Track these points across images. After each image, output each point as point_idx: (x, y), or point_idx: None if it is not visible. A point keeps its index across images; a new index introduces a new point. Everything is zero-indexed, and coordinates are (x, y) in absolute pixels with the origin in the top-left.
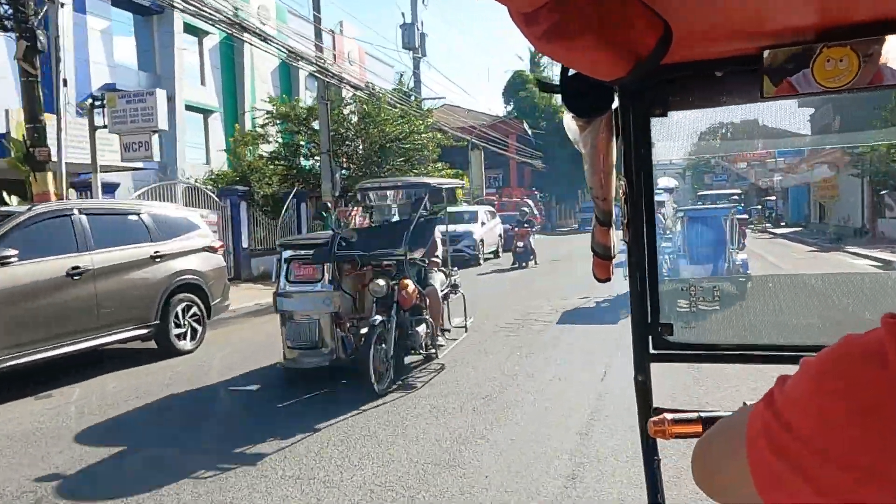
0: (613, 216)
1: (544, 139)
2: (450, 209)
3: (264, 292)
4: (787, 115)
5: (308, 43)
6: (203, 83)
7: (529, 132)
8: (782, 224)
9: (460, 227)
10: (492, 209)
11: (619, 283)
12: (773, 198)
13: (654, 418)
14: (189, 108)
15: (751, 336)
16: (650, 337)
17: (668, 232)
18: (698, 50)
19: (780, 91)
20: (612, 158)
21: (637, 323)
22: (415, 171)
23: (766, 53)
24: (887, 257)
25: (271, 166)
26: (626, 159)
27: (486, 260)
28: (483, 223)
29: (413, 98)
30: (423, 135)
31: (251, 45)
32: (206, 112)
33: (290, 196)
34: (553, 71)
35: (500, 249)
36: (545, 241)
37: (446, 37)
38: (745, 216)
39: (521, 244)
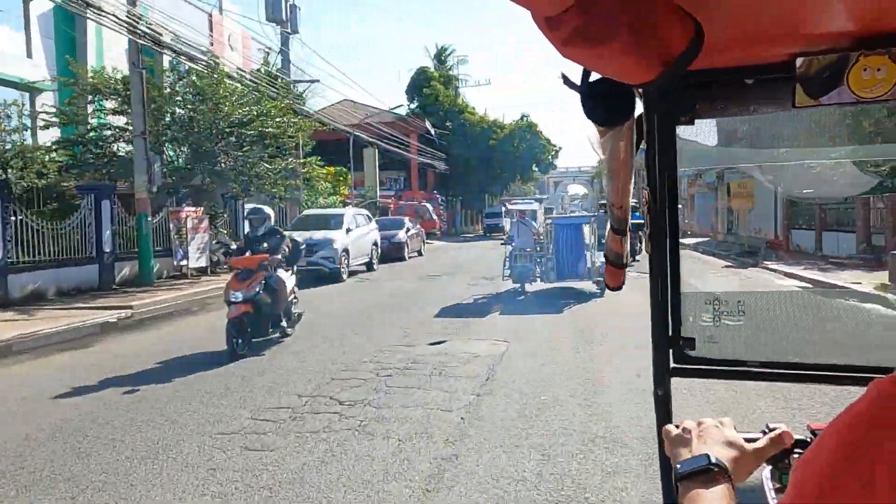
0: (628, 224)
1: (449, 140)
2: (309, 213)
3: (33, 322)
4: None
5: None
6: (30, 55)
7: (433, 131)
8: (689, 233)
9: (318, 234)
10: (366, 213)
11: None
12: (680, 206)
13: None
14: (5, 82)
15: (776, 353)
16: (671, 351)
17: (540, 238)
18: (728, 56)
19: (813, 100)
20: (630, 167)
21: (658, 336)
22: (271, 160)
23: (799, 61)
24: (819, 277)
25: (52, 154)
26: (650, 168)
27: (353, 273)
28: (349, 229)
29: (281, 80)
30: (278, 120)
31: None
32: (32, 90)
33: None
34: (459, 69)
35: (376, 260)
36: (445, 247)
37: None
38: (641, 222)
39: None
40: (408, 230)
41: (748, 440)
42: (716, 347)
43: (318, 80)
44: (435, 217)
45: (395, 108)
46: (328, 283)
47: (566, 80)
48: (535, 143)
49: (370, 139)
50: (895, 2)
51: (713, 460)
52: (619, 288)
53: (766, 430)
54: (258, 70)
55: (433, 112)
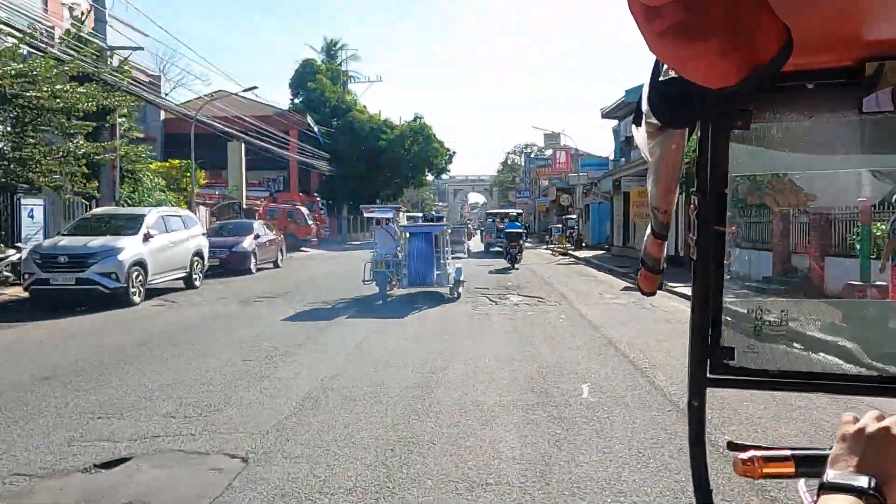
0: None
1: (335, 139)
2: (98, 212)
3: None
4: None
5: None
6: None
7: (316, 129)
8: (584, 245)
9: (97, 241)
10: (185, 214)
11: None
12: (574, 216)
13: (743, 456)
14: None
15: (817, 364)
16: (708, 360)
17: (400, 242)
18: (792, 59)
19: (881, 107)
20: (678, 171)
21: (696, 345)
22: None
23: (868, 65)
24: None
25: None
26: (701, 174)
27: (157, 293)
28: (149, 235)
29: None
30: (58, 87)
31: None
32: None
33: None
34: (348, 65)
35: (199, 274)
36: (317, 256)
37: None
38: (523, 231)
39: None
40: (257, 236)
41: (817, 456)
42: (755, 357)
43: (140, 48)
44: (311, 222)
45: (248, 88)
46: (113, 307)
47: (636, 118)
48: (427, 146)
49: (236, 132)
50: None
51: (872, 485)
52: (654, 293)
53: None
54: (67, 33)
55: (318, 108)
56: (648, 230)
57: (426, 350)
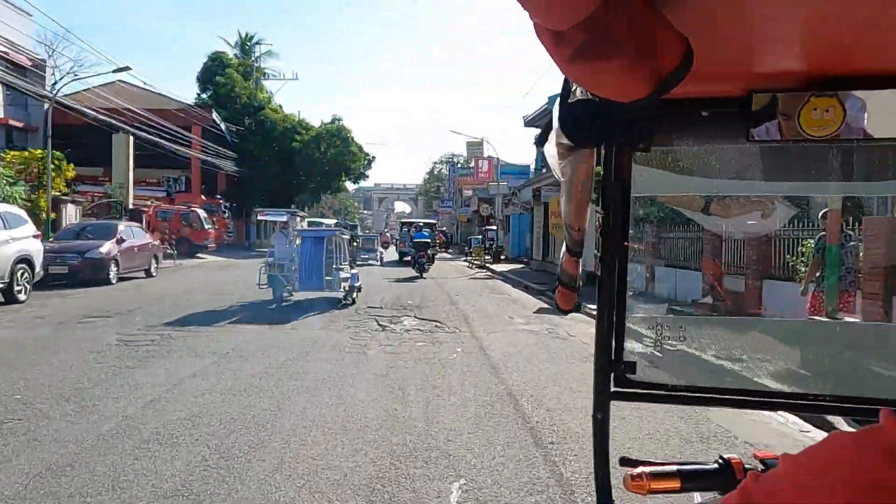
0: (584, 247)
1: (245, 138)
2: None
3: None
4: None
5: None
6: None
7: (223, 126)
8: (503, 258)
9: None
10: (8, 211)
11: None
12: (494, 227)
13: (633, 472)
14: None
15: (717, 378)
16: (612, 374)
17: (295, 246)
18: (688, 87)
19: (766, 136)
20: (589, 189)
21: (600, 359)
22: None
23: (755, 97)
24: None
25: None
26: (605, 191)
27: None
28: None
29: None
30: None
31: None
32: None
33: None
34: (263, 61)
35: (26, 285)
36: (211, 264)
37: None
38: (431, 240)
39: None
40: (121, 240)
41: (701, 471)
42: (656, 372)
43: None
44: (209, 226)
45: (119, 69)
46: None
47: (537, 140)
48: (345, 149)
49: (121, 124)
50: (843, 48)
51: None
52: (571, 311)
53: (721, 461)
54: None
55: (228, 105)
56: (564, 247)
57: (241, 408)
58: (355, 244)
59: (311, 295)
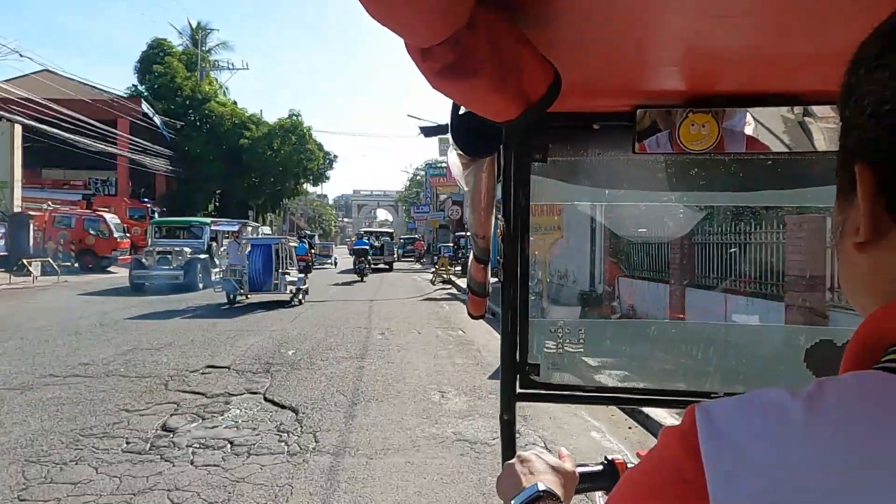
0: (490, 255)
1: (186, 135)
2: None
3: None
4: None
5: None
6: None
7: (157, 120)
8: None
9: None
10: None
11: None
12: (467, 234)
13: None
14: None
15: (615, 379)
16: (518, 376)
17: (245, 254)
18: (580, 102)
19: (650, 148)
20: (492, 198)
21: (506, 361)
22: None
23: (638, 112)
24: None
25: None
26: (506, 201)
27: None
28: None
29: None
30: None
31: None
32: None
33: None
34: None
35: None
36: (119, 282)
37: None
38: (365, 248)
39: None
40: None
41: (588, 473)
42: (558, 373)
43: None
44: (119, 234)
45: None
46: None
47: (425, 131)
48: (300, 146)
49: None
50: (720, 69)
51: (542, 488)
52: (482, 316)
53: (605, 461)
54: None
55: (167, 98)
56: (471, 255)
57: None
58: (313, 251)
59: (263, 298)
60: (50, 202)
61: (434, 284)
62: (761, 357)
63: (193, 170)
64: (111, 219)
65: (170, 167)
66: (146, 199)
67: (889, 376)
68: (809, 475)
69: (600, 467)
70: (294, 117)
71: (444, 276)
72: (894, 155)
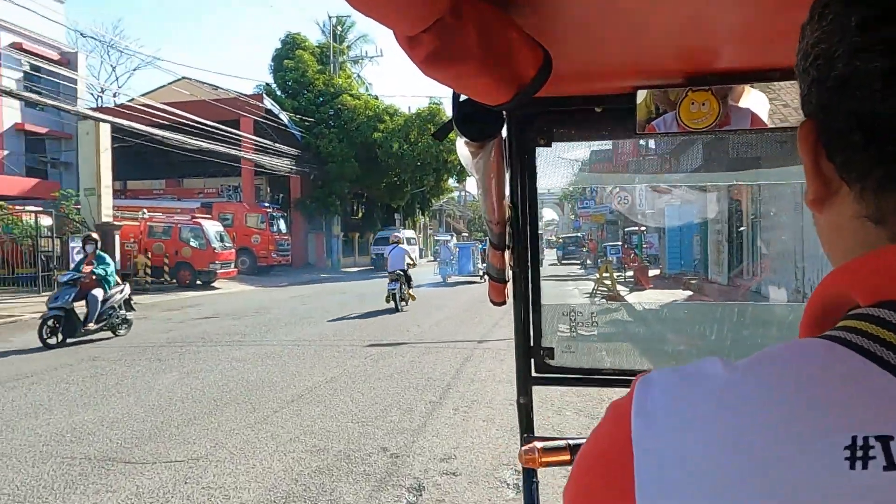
0: (506, 239)
1: (319, 133)
2: None
3: None
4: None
5: None
6: None
7: (285, 118)
8: (650, 279)
9: None
10: None
11: None
12: (641, 229)
13: (525, 447)
14: None
15: (628, 361)
16: (532, 360)
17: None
18: (581, 85)
19: (651, 129)
20: (503, 183)
21: (520, 346)
22: None
23: (639, 93)
24: None
25: None
26: (513, 186)
27: None
28: None
29: None
30: None
31: None
32: None
33: None
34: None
35: None
36: (209, 303)
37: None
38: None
39: None
40: None
41: None
42: (573, 357)
43: None
44: (217, 244)
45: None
46: None
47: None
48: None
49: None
50: (717, 46)
51: None
52: (504, 303)
53: None
54: None
55: (300, 94)
56: (488, 242)
57: None
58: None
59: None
60: (145, 210)
61: (594, 299)
62: (777, 336)
63: (326, 170)
64: (211, 226)
65: (299, 168)
66: (266, 204)
67: (831, 346)
68: (711, 458)
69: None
70: (434, 104)
71: (609, 288)
72: (823, 108)
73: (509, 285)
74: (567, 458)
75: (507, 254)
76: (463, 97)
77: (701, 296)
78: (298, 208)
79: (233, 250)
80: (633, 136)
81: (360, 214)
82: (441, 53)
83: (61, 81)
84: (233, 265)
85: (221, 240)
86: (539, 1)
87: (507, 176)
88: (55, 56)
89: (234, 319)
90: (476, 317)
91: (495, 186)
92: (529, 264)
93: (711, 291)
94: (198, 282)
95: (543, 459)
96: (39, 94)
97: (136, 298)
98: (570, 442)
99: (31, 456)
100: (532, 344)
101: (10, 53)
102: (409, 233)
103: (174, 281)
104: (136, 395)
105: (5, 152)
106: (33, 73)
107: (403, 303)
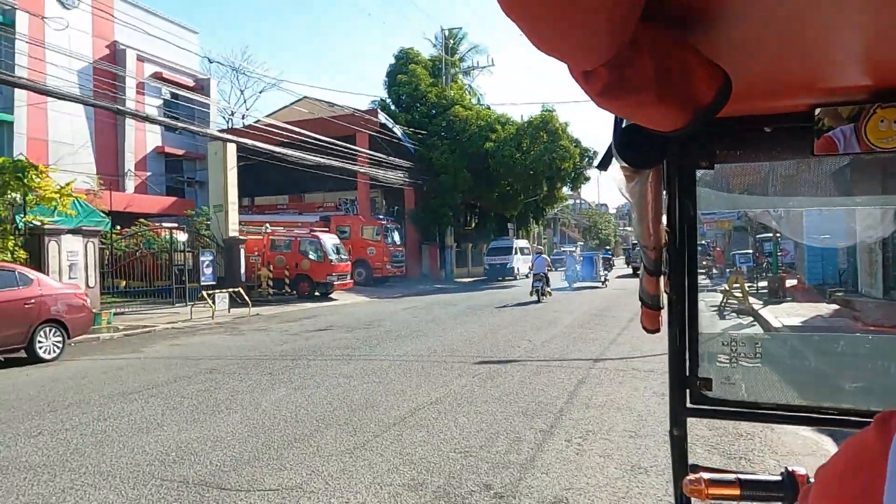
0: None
1: (431, 145)
2: None
3: None
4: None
5: None
6: None
7: (399, 132)
8: (787, 290)
9: None
10: None
11: None
12: (774, 235)
13: (691, 476)
14: None
15: (793, 396)
16: (688, 391)
17: (578, 261)
18: (749, 104)
19: (830, 149)
20: (660, 207)
21: (675, 376)
22: None
23: (817, 111)
24: None
25: None
26: (671, 210)
27: None
28: None
29: None
30: None
31: None
32: None
33: None
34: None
35: None
36: (333, 312)
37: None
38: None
39: None
40: None
41: (763, 482)
42: (732, 389)
43: None
44: (334, 256)
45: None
46: None
47: (601, 164)
48: (553, 145)
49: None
50: None
51: None
52: (657, 330)
53: (784, 472)
54: None
55: (413, 108)
56: (642, 268)
57: None
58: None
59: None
60: (268, 224)
61: (724, 313)
62: None
63: (439, 181)
64: (328, 239)
65: (413, 180)
66: (381, 216)
67: None
68: None
69: (777, 478)
70: (547, 111)
71: (739, 301)
72: None
73: (664, 312)
74: (736, 492)
75: (661, 279)
76: (626, 123)
77: (851, 311)
78: (412, 220)
79: (349, 262)
80: (806, 156)
81: (472, 225)
82: (618, 85)
83: (195, 107)
84: (349, 277)
85: (338, 252)
86: (713, 21)
87: (664, 199)
88: (190, 83)
89: (346, 332)
90: (602, 323)
91: (652, 211)
92: (686, 291)
93: (864, 308)
94: (316, 293)
95: (710, 491)
96: (177, 118)
97: (258, 310)
98: (741, 477)
99: (133, 476)
100: (688, 374)
101: (151, 83)
102: (523, 242)
103: (294, 292)
104: (243, 412)
105: (148, 173)
106: (172, 99)
107: (544, 297)
